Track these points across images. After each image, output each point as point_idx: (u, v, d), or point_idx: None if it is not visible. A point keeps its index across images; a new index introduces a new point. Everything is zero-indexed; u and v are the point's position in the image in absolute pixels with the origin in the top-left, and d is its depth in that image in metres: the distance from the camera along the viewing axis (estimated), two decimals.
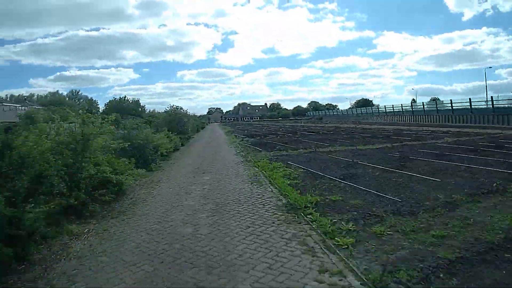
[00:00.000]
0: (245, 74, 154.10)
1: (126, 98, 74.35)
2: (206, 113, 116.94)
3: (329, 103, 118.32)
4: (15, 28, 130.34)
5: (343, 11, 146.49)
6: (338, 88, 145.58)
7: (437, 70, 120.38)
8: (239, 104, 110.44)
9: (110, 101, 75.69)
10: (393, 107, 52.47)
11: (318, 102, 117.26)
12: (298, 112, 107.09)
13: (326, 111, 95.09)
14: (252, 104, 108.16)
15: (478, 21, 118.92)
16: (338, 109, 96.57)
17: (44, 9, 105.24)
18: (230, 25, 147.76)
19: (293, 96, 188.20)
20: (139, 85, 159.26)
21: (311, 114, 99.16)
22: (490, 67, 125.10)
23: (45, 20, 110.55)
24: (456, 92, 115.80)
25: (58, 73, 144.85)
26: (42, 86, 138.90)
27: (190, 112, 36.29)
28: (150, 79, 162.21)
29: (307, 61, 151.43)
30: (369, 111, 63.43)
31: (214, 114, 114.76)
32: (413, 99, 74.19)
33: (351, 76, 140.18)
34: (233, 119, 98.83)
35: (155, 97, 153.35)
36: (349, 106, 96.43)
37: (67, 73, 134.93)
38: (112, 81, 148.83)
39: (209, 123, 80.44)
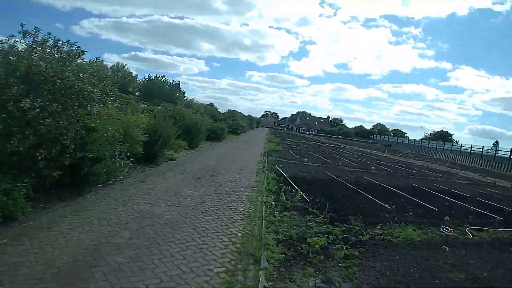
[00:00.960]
0: (311, 85, 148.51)
1: (164, 79, 67.01)
2: (260, 116, 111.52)
3: (398, 128, 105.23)
4: (103, 3, 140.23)
5: (426, 38, 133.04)
6: (399, 115, 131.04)
7: (504, 112, 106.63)
8: (298, 113, 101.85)
9: (143, 81, 67.05)
10: (482, 148, 41.57)
11: (384, 126, 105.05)
12: (360, 132, 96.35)
13: (394, 137, 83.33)
14: (312, 114, 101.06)
15: None
16: (408, 137, 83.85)
17: None
18: (311, 34, 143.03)
19: (352, 115, 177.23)
20: (206, 77, 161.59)
21: (376, 137, 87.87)
22: None
23: (135, 1, 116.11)
24: None
25: (133, 53, 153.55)
26: (114, 62, 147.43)
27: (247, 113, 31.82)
28: (218, 74, 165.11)
29: (376, 83, 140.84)
30: (447, 147, 52.05)
31: (268, 118, 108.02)
32: (496, 141, 60.16)
33: (415, 104, 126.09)
34: (287, 128, 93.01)
35: (218, 92, 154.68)
36: (423, 136, 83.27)
37: (141, 54, 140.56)
38: (182, 69, 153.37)
39: (257, 127, 73.96)
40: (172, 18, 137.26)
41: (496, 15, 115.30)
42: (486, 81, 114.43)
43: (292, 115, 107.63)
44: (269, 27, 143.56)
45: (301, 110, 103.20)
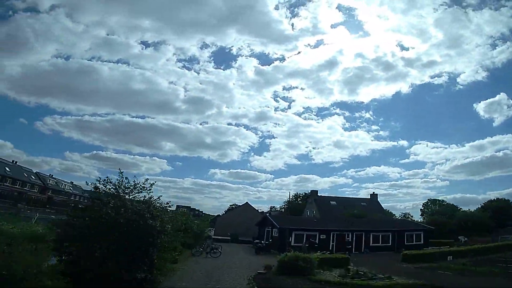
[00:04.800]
0: (275, 178, 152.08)
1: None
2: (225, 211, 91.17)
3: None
4: (68, 101, 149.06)
5: (378, 120, 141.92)
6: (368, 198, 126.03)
7: (469, 178, 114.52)
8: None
9: None
10: None
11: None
12: None
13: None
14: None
15: (509, 126, 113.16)
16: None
17: (99, 90, 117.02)
18: (269, 129, 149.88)
19: None
20: (169, 177, 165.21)
21: None
22: None
23: (97, 100, 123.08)
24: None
25: (94, 152, 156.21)
26: (76, 161, 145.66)
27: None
28: (181, 173, 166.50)
29: (339, 170, 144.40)
30: None
31: (236, 214, 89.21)
32: None
33: (381, 185, 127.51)
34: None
35: (181, 192, 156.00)
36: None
37: (103, 154, 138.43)
38: (144, 169, 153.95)
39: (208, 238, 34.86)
40: (134, 117, 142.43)
41: (437, 87, 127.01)
42: (443, 152, 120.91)
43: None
44: (228, 124, 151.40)
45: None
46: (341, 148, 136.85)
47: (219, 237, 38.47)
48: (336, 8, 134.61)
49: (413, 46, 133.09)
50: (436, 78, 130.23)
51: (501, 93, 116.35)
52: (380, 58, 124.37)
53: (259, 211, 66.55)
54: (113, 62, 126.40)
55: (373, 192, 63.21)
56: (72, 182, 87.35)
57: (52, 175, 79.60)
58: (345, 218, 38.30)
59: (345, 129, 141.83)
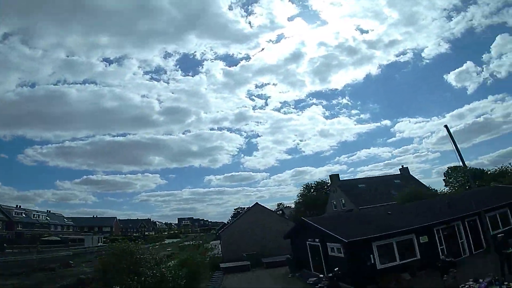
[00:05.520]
0: (271, 176, 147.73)
1: None
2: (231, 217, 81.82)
3: None
4: (43, 130, 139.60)
5: (356, 104, 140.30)
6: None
7: (458, 146, 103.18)
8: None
9: None
10: None
11: None
12: None
13: None
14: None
15: (482, 92, 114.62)
16: None
17: (72, 114, 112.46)
18: (252, 128, 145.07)
19: None
20: (166, 191, 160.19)
21: None
22: None
23: (73, 124, 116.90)
24: (484, 164, 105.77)
25: (84, 177, 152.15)
26: (68, 189, 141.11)
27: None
28: (177, 185, 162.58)
29: (331, 158, 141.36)
30: None
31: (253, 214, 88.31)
32: None
33: (376, 167, 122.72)
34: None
35: (182, 203, 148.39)
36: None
37: (93, 177, 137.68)
38: (139, 186, 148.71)
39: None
40: (114, 136, 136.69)
41: (405, 65, 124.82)
42: (426, 125, 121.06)
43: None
44: (211, 129, 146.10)
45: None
46: (327, 136, 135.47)
47: (231, 264, 25.67)
48: (289, 1, 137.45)
49: (372, 28, 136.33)
50: (401, 56, 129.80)
51: (467, 61, 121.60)
52: (342, 44, 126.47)
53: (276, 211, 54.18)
54: (80, 83, 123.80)
55: (402, 166, 51.43)
56: (49, 211, 75.87)
57: (19, 206, 66.43)
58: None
59: (326, 118, 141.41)
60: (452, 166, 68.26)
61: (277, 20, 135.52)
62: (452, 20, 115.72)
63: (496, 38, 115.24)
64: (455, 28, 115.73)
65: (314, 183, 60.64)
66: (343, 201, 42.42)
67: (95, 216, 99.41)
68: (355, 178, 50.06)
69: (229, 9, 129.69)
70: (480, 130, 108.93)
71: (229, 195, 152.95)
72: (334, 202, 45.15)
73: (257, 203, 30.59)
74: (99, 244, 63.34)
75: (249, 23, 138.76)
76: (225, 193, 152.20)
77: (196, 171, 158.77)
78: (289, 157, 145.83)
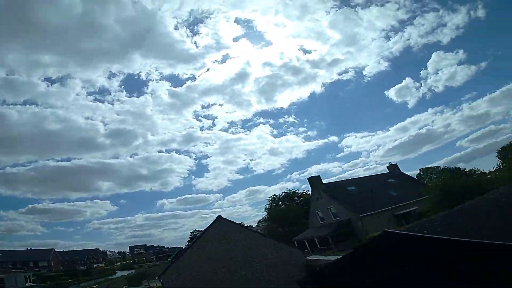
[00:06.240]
0: (225, 197, 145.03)
1: None
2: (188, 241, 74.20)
3: None
4: None
5: (302, 122, 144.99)
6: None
7: (405, 158, 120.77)
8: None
9: None
10: None
11: None
12: None
13: None
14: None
15: (422, 105, 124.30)
16: None
17: (12, 138, 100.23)
18: (201, 149, 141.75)
19: None
20: (119, 217, 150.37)
21: None
22: None
23: (13, 148, 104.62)
24: None
25: (30, 206, 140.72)
26: (14, 220, 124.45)
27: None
28: (129, 211, 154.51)
29: (283, 176, 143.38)
30: None
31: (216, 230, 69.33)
32: None
33: (328, 182, 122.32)
34: None
35: (137, 230, 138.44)
36: None
37: (39, 206, 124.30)
38: (89, 214, 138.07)
39: None
40: (59, 161, 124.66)
41: (348, 82, 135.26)
42: (372, 139, 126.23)
43: None
44: (159, 151, 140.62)
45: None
46: (277, 155, 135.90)
47: None
48: (235, 21, 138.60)
49: (315, 48, 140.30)
50: (343, 74, 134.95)
51: (406, 78, 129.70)
52: (287, 64, 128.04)
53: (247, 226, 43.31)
54: (20, 105, 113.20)
55: (390, 163, 43.67)
56: None
57: None
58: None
59: (275, 136, 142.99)
60: (425, 168, 64.04)
61: (223, 40, 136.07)
62: (390, 40, 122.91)
63: (432, 55, 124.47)
64: (394, 47, 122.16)
65: (281, 194, 51.01)
66: (333, 209, 33.04)
67: (29, 249, 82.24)
68: (341, 180, 40.94)
69: (175, 29, 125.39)
70: (424, 140, 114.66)
71: (184, 219, 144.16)
72: (320, 213, 35.53)
73: (220, 216, 19.88)
74: (27, 284, 50.08)
75: (195, 43, 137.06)
76: (180, 217, 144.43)
77: (148, 195, 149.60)
78: (241, 177, 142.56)
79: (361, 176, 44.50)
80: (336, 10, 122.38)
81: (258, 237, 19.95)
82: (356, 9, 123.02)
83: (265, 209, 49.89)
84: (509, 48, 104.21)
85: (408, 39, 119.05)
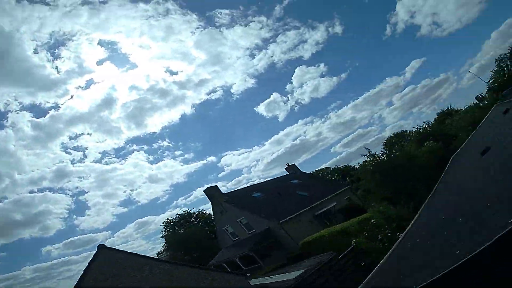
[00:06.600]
0: (114, 233, 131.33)
1: None
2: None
3: None
4: None
5: (177, 145, 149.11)
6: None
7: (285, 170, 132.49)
8: None
9: None
10: None
11: None
12: None
13: None
14: None
15: (292, 117, 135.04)
16: None
17: None
18: (76, 185, 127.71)
19: None
20: (3, 274, 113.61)
21: None
22: None
23: None
24: None
25: None
26: None
27: None
28: (12, 265, 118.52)
29: (169, 202, 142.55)
30: None
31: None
32: None
33: None
34: None
35: (28, 284, 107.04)
36: None
37: None
38: None
39: None
40: None
41: (217, 101, 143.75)
42: (250, 155, 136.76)
43: None
44: (30, 192, 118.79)
45: None
46: (157, 182, 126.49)
47: None
48: (98, 44, 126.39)
49: (181, 69, 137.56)
50: (212, 93, 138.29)
51: (273, 93, 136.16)
52: (154, 87, 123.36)
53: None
54: None
55: (288, 164, 41.53)
56: None
57: None
58: None
59: (151, 163, 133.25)
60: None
61: (86, 64, 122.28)
62: (255, 57, 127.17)
63: (296, 70, 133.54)
64: (259, 64, 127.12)
65: (175, 218, 43.09)
66: (244, 221, 27.57)
67: None
68: (238, 189, 35.92)
69: (34, 53, 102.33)
70: (300, 150, 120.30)
71: (77, 264, 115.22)
72: (229, 229, 29.60)
73: (102, 246, 11.77)
74: None
75: (56, 68, 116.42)
76: (72, 263, 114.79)
77: (29, 243, 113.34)
78: (126, 209, 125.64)
79: (262, 181, 40.28)
80: (201, 31, 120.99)
81: (173, 269, 12.65)
82: (221, 29, 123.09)
83: (162, 236, 41.13)
84: (364, 59, 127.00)
85: (272, 56, 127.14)
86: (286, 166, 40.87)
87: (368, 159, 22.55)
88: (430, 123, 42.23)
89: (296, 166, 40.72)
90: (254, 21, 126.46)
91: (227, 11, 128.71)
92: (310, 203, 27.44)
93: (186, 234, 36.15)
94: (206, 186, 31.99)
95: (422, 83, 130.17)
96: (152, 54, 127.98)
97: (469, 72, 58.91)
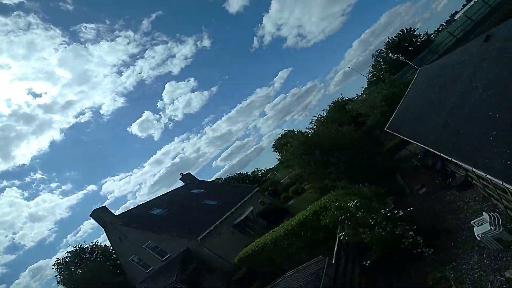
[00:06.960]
0: (9, 286, 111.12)
1: None
2: None
3: None
4: None
5: (52, 176, 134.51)
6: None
7: (172, 188, 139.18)
8: None
9: None
10: None
11: None
12: None
13: None
14: None
15: (168, 135, 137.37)
16: None
17: None
18: None
19: None
20: None
21: None
22: None
23: None
24: None
25: None
26: None
27: None
28: None
29: (58, 242, 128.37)
30: None
31: None
32: None
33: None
34: None
35: None
36: None
37: None
38: None
39: None
40: None
41: (87, 124, 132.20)
42: (132, 179, 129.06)
43: None
44: None
45: None
46: (40, 220, 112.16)
47: None
48: None
49: (45, 91, 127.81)
50: (80, 116, 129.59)
51: (145, 111, 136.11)
52: (17, 112, 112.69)
53: None
54: None
55: (182, 173, 39.08)
56: None
57: None
58: None
59: (27, 199, 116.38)
60: None
61: None
62: (123, 74, 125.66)
63: (166, 86, 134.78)
64: (127, 81, 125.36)
65: (67, 257, 36.13)
66: (152, 244, 24.39)
67: None
68: (135, 207, 31.58)
69: None
70: (182, 168, 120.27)
71: None
72: (135, 259, 25.66)
73: None
74: None
75: None
76: None
77: None
78: (13, 256, 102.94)
79: (156, 196, 36.11)
80: (66, 47, 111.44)
81: None
82: (86, 45, 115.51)
83: (58, 282, 33.67)
84: (234, 72, 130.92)
85: (140, 72, 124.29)
86: (181, 176, 38.64)
87: (290, 145, 21.26)
88: (325, 113, 36.80)
89: (191, 174, 39.02)
90: (121, 36, 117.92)
91: (92, 25, 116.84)
92: (224, 212, 25.98)
93: (85, 274, 30.23)
94: (92, 209, 27.03)
95: (292, 91, 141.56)
96: (13, 75, 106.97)
97: (349, 67, 67.22)
